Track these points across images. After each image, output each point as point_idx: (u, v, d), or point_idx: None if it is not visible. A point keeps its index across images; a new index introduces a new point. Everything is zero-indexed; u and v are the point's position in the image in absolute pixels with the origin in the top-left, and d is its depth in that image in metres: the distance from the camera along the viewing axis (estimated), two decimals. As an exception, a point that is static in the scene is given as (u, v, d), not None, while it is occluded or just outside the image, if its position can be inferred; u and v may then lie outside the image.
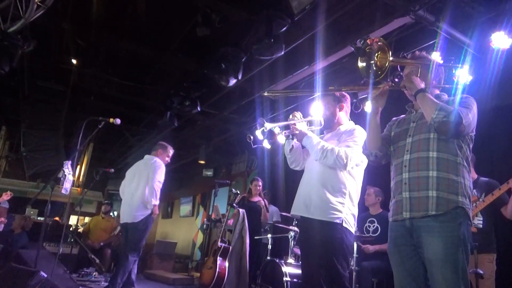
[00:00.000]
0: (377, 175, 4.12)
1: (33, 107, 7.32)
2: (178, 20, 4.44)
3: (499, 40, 3.22)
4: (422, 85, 1.90)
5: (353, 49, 3.68)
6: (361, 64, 1.91)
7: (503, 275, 3.14)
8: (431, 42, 3.61)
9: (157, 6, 4.28)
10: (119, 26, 4.64)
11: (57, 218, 8.77)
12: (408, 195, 1.84)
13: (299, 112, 2.68)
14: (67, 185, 3.72)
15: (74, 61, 5.38)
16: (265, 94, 2.47)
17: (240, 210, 4.90)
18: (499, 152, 3.84)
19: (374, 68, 1.86)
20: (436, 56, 2.14)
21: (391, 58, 1.79)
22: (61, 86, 6.33)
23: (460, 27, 3.44)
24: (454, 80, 2.09)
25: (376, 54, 1.85)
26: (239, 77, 4.69)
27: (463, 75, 2.06)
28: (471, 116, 1.78)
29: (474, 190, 3.09)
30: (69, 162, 3.76)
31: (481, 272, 2.82)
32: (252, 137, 2.75)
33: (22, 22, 3.61)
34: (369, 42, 1.88)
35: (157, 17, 4.49)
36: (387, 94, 1.99)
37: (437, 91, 2.04)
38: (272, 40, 3.83)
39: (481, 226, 3.12)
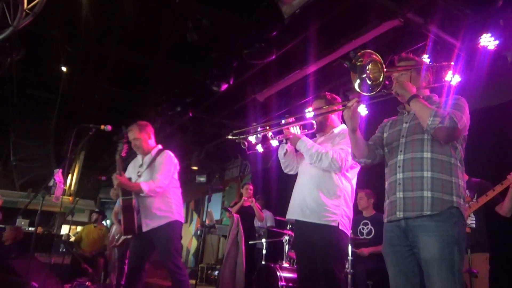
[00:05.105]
0: (367, 178, 4.13)
1: (23, 116, 7.23)
2: (168, 25, 4.43)
3: (486, 41, 3.28)
4: (414, 90, 1.89)
5: (346, 65, 3.74)
6: (355, 80, 1.88)
7: (497, 274, 3.16)
8: (420, 44, 3.65)
9: (147, 12, 4.27)
10: (108, 32, 4.62)
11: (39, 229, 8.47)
12: (402, 195, 1.84)
13: (291, 116, 2.68)
14: (58, 194, 3.67)
15: (63, 69, 5.32)
16: (229, 137, 2.47)
17: (235, 215, 4.88)
18: (488, 153, 3.88)
19: (369, 82, 1.84)
20: (426, 59, 2.16)
21: (385, 70, 1.78)
22: (51, 94, 6.26)
23: (448, 29, 3.48)
24: (443, 81, 2.11)
25: (368, 67, 1.84)
26: (231, 82, 4.69)
27: (452, 76, 2.09)
28: (465, 119, 1.79)
29: (467, 191, 3.11)
30: (60, 171, 3.72)
31: (475, 271, 2.84)
32: (246, 144, 2.74)
33: (11, 30, 3.57)
34: (359, 55, 1.86)
35: (147, 23, 4.47)
36: (359, 114, 2.00)
37: (428, 92, 2.06)
38: (263, 44, 3.85)
39: (474, 226, 3.15)
